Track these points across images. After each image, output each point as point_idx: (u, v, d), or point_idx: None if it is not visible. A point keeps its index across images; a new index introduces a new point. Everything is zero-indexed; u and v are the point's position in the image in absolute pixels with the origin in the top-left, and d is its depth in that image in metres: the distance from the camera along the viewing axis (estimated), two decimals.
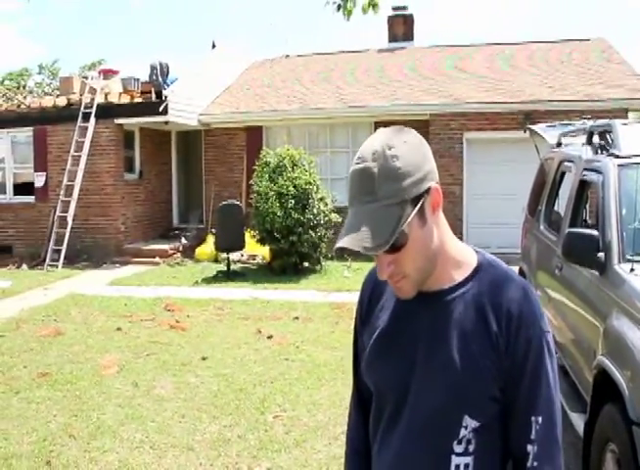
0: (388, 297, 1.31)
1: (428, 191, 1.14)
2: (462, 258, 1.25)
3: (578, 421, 3.30)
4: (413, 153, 1.14)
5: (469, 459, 1.19)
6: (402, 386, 1.22)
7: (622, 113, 10.60)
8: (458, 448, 1.18)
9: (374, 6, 4.88)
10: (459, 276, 1.23)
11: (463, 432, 1.18)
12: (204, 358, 5.77)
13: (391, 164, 1.11)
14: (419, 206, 1.13)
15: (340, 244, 1.11)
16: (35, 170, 12.44)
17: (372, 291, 1.35)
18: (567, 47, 14.07)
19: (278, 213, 9.67)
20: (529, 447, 1.18)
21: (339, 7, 4.93)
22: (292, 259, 10.10)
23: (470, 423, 1.18)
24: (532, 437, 1.18)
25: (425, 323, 1.22)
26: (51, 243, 11.52)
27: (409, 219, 1.11)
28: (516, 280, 1.23)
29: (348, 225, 1.12)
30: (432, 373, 1.20)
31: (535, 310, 1.20)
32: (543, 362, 1.18)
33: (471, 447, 1.18)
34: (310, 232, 9.86)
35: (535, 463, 1.17)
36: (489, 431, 1.19)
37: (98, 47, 52.86)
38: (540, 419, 1.18)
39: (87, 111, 11.73)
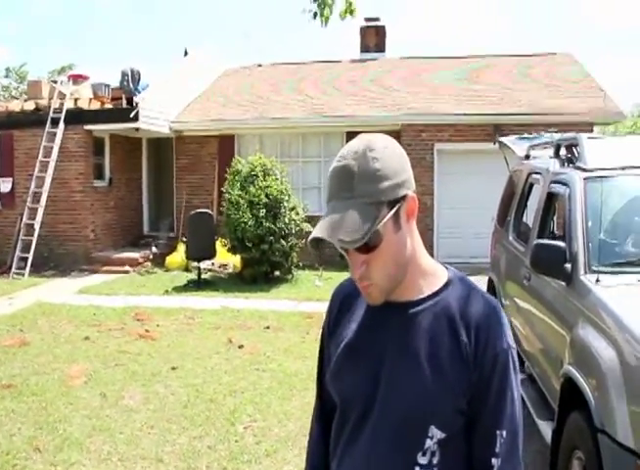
0: (356, 308, 1.31)
1: (404, 198, 1.17)
2: (432, 271, 1.27)
3: (546, 429, 3.36)
4: (393, 159, 1.17)
5: None
6: (369, 394, 1.22)
7: (588, 126, 10.86)
8: (422, 460, 1.19)
9: (351, 12, 4.92)
10: (428, 289, 1.25)
11: (428, 443, 1.18)
12: (173, 368, 5.71)
13: (371, 165, 1.14)
14: (394, 210, 1.15)
15: (315, 234, 1.13)
16: (1, 176, 12.17)
17: (341, 302, 1.36)
18: (534, 60, 14.37)
19: (249, 222, 9.63)
20: (494, 461, 1.19)
21: (315, 15, 4.95)
22: (263, 269, 10.07)
23: (436, 434, 1.18)
24: (497, 450, 1.19)
25: (393, 333, 1.23)
26: (17, 250, 11.26)
27: (385, 220, 1.13)
28: (485, 297, 1.26)
29: (325, 218, 1.14)
30: (399, 381, 1.20)
31: (503, 327, 1.22)
32: (509, 378, 1.20)
33: (435, 460, 1.19)
34: (282, 241, 9.84)
35: None
36: (453, 444, 1.20)
37: (67, 52, 52.21)
38: (505, 433, 1.19)
39: (56, 116, 11.52)
